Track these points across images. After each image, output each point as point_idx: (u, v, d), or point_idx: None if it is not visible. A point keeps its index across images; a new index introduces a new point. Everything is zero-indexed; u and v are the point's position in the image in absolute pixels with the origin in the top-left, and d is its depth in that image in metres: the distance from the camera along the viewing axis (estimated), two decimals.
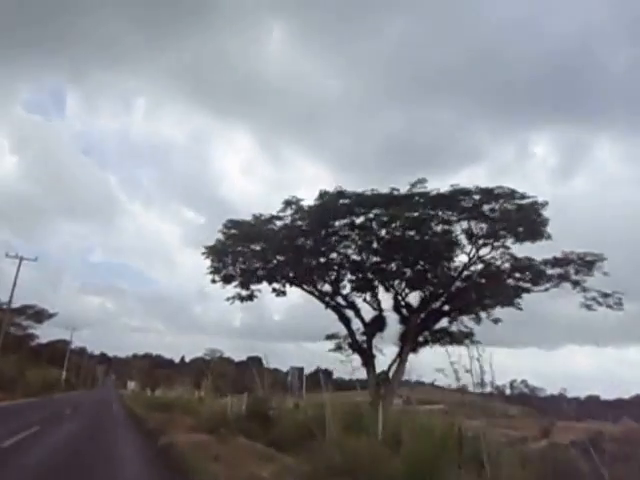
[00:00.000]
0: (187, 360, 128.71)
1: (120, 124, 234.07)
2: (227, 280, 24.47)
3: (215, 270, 24.06)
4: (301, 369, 27.54)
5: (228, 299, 24.34)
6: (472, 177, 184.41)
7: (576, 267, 19.90)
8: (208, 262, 23.96)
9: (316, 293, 24.37)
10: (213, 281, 24.51)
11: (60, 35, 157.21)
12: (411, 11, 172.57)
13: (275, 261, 23.85)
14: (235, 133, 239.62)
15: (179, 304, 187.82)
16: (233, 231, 22.92)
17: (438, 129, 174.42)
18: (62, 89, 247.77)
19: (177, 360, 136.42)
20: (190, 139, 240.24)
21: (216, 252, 23.37)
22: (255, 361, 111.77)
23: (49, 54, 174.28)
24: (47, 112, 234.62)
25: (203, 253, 23.52)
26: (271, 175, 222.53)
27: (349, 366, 16.87)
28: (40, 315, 68.76)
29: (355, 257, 23.91)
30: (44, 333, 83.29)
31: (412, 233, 21.22)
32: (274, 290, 25.34)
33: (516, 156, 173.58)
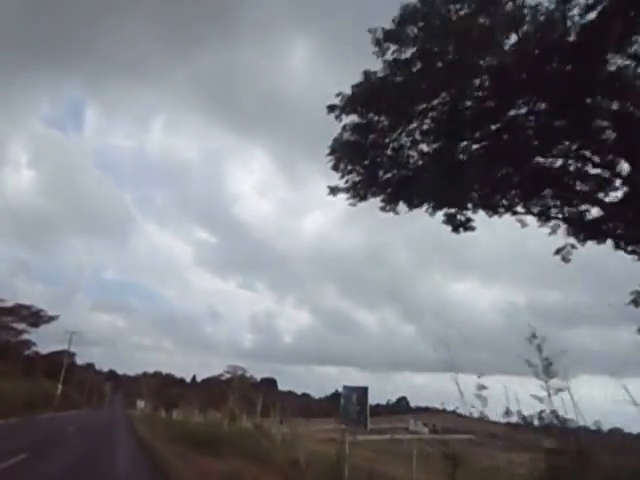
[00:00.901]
0: (198, 380, 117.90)
1: (137, 141, 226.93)
2: (364, 188, 11.03)
3: (341, 159, 10.58)
4: (364, 389, 14.77)
5: (412, 205, 10.86)
6: None
7: None
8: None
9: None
10: (332, 190, 11.07)
11: (81, 50, 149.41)
12: None
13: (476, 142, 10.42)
14: (252, 151, 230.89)
15: (190, 324, 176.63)
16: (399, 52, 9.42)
17: None
18: (81, 104, 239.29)
19: (188, 380, 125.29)
20: (206, 157, 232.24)
21: (358, 104, 9.86)
22: (269, 382, 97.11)
23: (69, 69, 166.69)
24: (65, 127, 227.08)
25: (333, 107, 9.98)
26: (286, 196, 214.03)
27: None
28: (37, 317, 54.52)
29: None
30: (46, 344, 69.66)
31: None
32: (449, 218, 11.92)
33: None
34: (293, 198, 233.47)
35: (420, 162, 11.28)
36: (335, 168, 10.55)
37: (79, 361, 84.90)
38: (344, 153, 10.29)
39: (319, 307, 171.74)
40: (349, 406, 16.63)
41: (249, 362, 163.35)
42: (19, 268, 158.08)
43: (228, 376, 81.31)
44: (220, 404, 39.44)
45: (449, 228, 12.07)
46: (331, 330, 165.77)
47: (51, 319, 56.62)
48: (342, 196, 10.94)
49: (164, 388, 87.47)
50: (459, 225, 11.99)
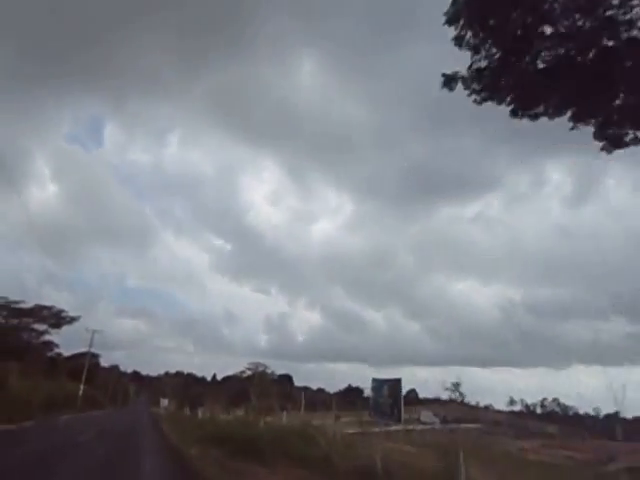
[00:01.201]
0: (218, 378, 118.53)
1: (155, 154, 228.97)
2: (492, 78, 7.37)
3: (469, 26, 6.91)
4: (397, 381, 13.49)
5: None
6: (489, 205, 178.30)
7: None
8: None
9: None
10: (448, 80, 7.43)
11: (99, 67, 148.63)
12: (434, 41, 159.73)
13: None
14: (263, 162, 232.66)
15: (209, 326, 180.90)
16: None
17: (458, 158, 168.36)
18: (101, 121, 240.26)
19: (209, 378, 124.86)
20: (221, 168, 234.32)
21: None
22: (286, 379, 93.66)
23: (89, 86, 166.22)
24: (86, 143, 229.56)
25: None
26: (297, 204, 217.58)
27: None
28: (58, 318, 51.61)
29: None
30: (70, 346, 67.60)
31: None
32: (600, 130, 8.23)
33: (531, 183, 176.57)
34: (303, 206, 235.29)
35: (562, 49, 7.58)
36: (458, 42, 6.90)
37: (104, 363, 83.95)
38: (473, 15, 6.62)
39: (329, 308, 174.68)
40: (379, 399, 14.24)
41: (265, 360, 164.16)
42: (44, 278, 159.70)
43: (249, 373, 78.94)
44: (244, 401, 36.25)
45: (599, 144, 8.36)
46: (341, 329, 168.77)
47: (73, 320, 53.95)
48: (461, 91, 7.35)
49: (186, 387, 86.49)
50: (614, 140, 8.27)
